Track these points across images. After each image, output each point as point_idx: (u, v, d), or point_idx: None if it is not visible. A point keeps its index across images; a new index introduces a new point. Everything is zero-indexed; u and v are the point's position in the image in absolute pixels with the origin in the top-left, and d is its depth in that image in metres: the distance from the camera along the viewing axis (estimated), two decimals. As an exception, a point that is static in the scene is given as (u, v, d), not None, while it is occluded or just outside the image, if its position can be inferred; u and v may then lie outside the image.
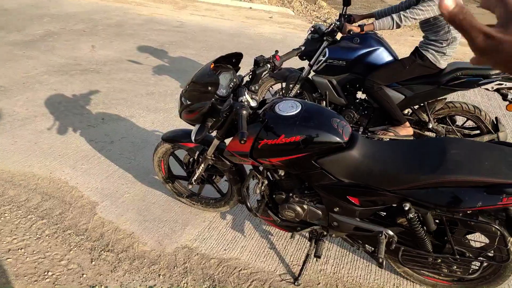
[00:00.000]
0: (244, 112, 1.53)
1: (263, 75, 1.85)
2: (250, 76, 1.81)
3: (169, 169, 2.40)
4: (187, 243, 2.18)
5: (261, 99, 3.51)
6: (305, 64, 3.14)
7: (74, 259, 2.01)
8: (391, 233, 1.73)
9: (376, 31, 2.75)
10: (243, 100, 1.62)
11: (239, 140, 1.42)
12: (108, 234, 2.20)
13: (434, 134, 2.90)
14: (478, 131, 2.83)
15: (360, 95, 3.07)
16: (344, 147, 1.62)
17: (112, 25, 7.13)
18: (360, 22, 2.92)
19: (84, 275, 1.92)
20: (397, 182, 1.54)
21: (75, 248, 2.08)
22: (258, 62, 1.82)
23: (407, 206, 1.58)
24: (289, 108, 1.69)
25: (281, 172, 1.84)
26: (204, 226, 2.31)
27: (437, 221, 1.67)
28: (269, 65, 1.83)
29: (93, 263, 2.00)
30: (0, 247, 2.05)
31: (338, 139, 1.59)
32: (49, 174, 2.71)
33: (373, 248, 1.86)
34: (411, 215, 1.60)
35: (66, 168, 2.79)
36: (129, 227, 2.27)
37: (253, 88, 1.80)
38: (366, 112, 2.97)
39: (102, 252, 2.07)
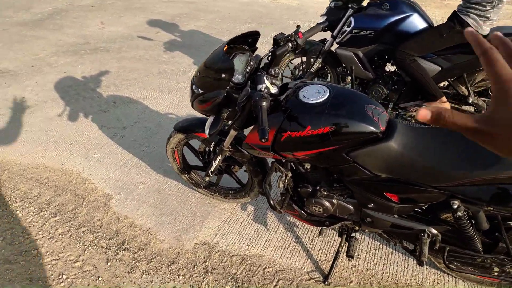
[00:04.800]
0: (265, 103, 1.31)
1: (284, 56, 1.61)
2: (269, 57, 1.58)
3: (184, 159, 2.24)
4: (206, 238, 2.04)
5: (280, 75, 3.28)
6: (327, 35, 2.86)
7: (89, 260, 1.91)
8: (434, 231, 1.53)
9: (409, -5, 2.43)
10: (263, 89, 1.40)
11: (259, 138, 1.22)
12: (123, 230, 2.08)
13: (474, 108, 2.62)
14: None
15: (389, 67, 2.79)
16: (381, 138, 1.39)
17: (120, -2, 6.85)
18: (390, -15, 2.59)
19: (100, 278, 1.82)
20: (445, 178, 1.33)
21: (89, 248, 1.98)
22: (278, 41, 1.58)
23: (455, 204, 1.38)
24: (315, 94, 1.46)
25: (307, 165, 1.65)
26: (224, 219, 2.16)
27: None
28: (290, 44, 1.59)
29: (109, 263, 1.89)
30: (12, 249, 1.97)
31: (373, 129, 1.37)
32: (61, 165, 2.60)
33: (412, 246, 1.67)
34: (459, 214, 1.40)
35: (78, 158, 2.67)
36: (145, 222, 2.14)
37: (273, 72, 1.57)
38: (396, 86, 2.70)
39: (118, 251, 1.96)
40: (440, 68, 2.48)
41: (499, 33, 0.41)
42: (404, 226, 1.57)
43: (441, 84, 2.70)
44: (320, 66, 2.90)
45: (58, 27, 5.43)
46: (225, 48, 1.54)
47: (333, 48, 2.87)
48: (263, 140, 1.22)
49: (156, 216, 2.18)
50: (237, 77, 1.55)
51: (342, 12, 2.67)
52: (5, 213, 2.19)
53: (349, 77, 2.92)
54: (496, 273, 1.59)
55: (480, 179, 1.27)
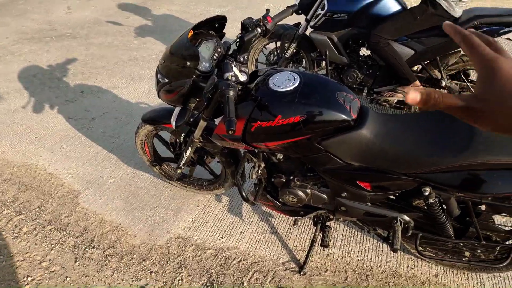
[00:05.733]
0: (231, 93, 1.25)
1: (253, 42, 1.55)
2: (238, 44, 1.51)
3: (155, 151, 2.16)
4: (180, 232, 1.99)
5: (254, 61, 3.20)
6: (301, 19, 2.79)
7: (56, 260, 1.83)
8: (407, 218, 1.53)
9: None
10: (230, 77, 1.33)
11: (226, 130, 1.17)
12: (92, 227, 2.00)
13: (447, 91, 2.62)
14: (495, 86, 2.55)
15: (363, 52, 2.75)
16: (353, 126, 1.36)
17: (88, -18, 6.53)
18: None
19: (68, 278, 1.75)
20: (417, 165, 1.31)
21: (56, 247, 1.89)
22: (246, 26, 1.51)
23: (427, 191, 1.37)
24: (285, 81, 1.41)
25: (279, 155, 1.60)
26: (198, 212, 2.11)
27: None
28: (259, 29, 1.53)
29: (78, 263, 1.82)
30: (-27, 251, 1.86)
31: (345, 117, 1.33)
32: (25, 160, 2.47)
33: (386, 233, 1.67)
34: (431, 200, 1.39)
35: (44, 152, 2.54)
36: (115, 217, 2.06)
37: (241, 59, 1.50)
38: (371, 71, 2.67)
39: (87, 249, 1.88)
40: (413, 52, 2.46)
41: (473, 30, 0.43)
42: (377, 214, 1.55)
43: (415, 68, 2.68)
44: (295, 51, 2.84)
45: (21, 12, 5.14)
46: (190, 34, 1.46)
47: (307, 33, 2.80)
48: (230, 132, 1.17)
49: (127, 211, 2.10)
50: (204, 65, 1.47)
51: (315, -5, 2.60)
52: (-36, 213, 2.07)
53: (324, 62, 2.87)
54: (467, 258, 1.61)
55: (450, 166, 1.26)
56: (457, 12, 2.32)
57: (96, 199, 2.17)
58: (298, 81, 1.40)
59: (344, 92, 1.40)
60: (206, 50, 1.51)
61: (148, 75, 3.56)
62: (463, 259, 1.64)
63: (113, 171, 2.38)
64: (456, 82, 2.59)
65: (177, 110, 1.56)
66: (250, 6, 5.32)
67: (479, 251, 1.54)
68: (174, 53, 1.47)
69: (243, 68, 1.52)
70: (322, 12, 2.55)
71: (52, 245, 1.90)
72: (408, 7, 2.47)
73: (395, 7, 2.45)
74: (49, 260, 1.83)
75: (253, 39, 1.54)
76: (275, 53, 3.07)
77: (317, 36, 2.68)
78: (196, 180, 2.20)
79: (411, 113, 1.46)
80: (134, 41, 4.29)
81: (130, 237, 1.95)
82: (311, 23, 2.67)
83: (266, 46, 3.16)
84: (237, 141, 1.51)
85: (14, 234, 1.95)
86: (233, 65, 1.43)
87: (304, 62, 3.03)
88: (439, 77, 2.55)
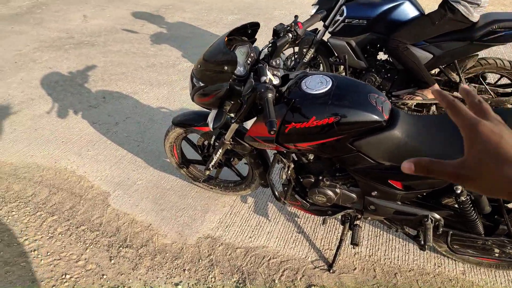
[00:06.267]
0: (270, 95, 1.31)
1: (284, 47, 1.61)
2: (270, 49, 1.57)
3: (183, 153, 2.22)
4: (209, 232, 2.04)
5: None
6: (319, 25, 2.85)
7: (91, 259, 1.89)
8: (437, 216, 1.56)
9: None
10: (267, 80, 1.39)
11: (268, 130, 1.22)
12: (124, 227, 2.06)
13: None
14: (514, 89, 2.59)
15: (381, 56, 2.80)
16: (385, 126, 1.41)
17: (102, -9, 6.67)
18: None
19: (105, 276, 1.80)
20: (448, 164, 1.35)
21: (91, 246, 1.95)
22: (278, 32, 1.57)
23: (459, 189, 1.41)
24: (318, 84, 1.47)
25: (310, 156, 1.66)
26: (225, 212, 2.16)
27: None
28: (290, 35, 1.59)
29: (112, 261, 1.87)
30: (11, 250, 1.92)
31: (377, 118, 1.38)
32: (54, 163, 2.54)
33: (415, 232, 1.71)
34: (463, 198, 1.43)
35: (72, 156, 2.61)
36: (145, 218, 2.12)
37: (274, 63, 1.56)
38: (389, 74, 2.72)
39: (121, 248, 1.94)
40: (432, 56, 2.51)
41: (466, 86, 0.46)
42: (408, 212, 1.59)
43: (433, 71, 2.73)
44: (312, 56, 2.90)
45: (39, 21, 5.26)
46: (225, 40, 1.52)
47: (325, 38, 2.87)
48: (271, 133, 1.22)
49: (156, 212, 2.16)
50: (239, 69, 1.53)
51: (334, 1, 2.66)
52: (0, 215, 2.14)
53: (342, 67, 2.93)
54: (496, 254, 1.64)
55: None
56: (475, 17, 2.37)
57: (125, 200, 2.24)
58: (331, 83, 1.45)
59: (375, 94, 1.45)
60: (240, 55, 1.57)
61: (166, 80, 3.64)
62: (492, 256, 1.68)
63: (140, 173, 2.45)
64: (474, 85, 2.63)
65: (213, 112, 1.62)
66: (261, 13, 5.41)
67: (509, 247, 1.57)
68: (210, 59, 1.54)
69: (275, 72, 1.58)
70: (341, 18, 2.62)
71: (87, 245, 1.96)
72: (426, 13, 2.53)
73: (413, 12, 2.51)
74: (85, 259, 1.89)
75: (285, 44, 1.60)
76: (293, 58, 3.14)
77: (335, 42, 2.74)
78: (222, 182, 2.25)
79: (441, 114, 1.51)
80: (151, 48, 4.38)
81: (161, 236, 2.01)
82: (330, 29, 2.73)
83: (283, 51, 3.23)
84: (270, 142, 1.56)
85: (49, 234, 2.02)
86: (267, 69, 1.49)
87: (321, 67, 3.09)
88: (457, 80, 2.59)
